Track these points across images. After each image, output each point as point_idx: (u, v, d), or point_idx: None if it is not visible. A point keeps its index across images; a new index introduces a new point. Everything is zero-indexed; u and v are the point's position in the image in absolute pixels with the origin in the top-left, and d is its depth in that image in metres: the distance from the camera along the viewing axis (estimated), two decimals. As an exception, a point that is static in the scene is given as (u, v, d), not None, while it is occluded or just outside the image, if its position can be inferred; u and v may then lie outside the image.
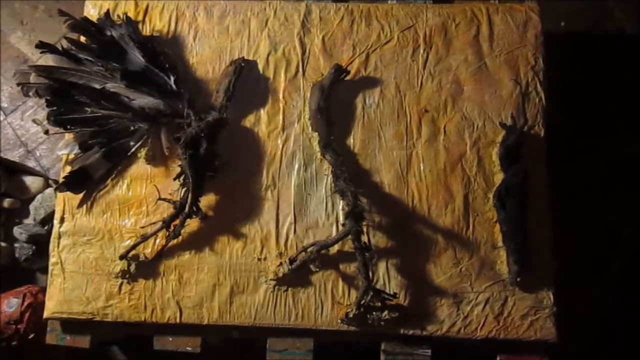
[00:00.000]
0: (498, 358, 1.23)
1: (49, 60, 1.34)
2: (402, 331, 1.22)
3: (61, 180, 1.32)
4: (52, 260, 1.31)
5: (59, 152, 1.37)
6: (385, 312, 1.19)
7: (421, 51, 1.35)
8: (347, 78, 1.34)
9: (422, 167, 1.29)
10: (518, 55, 1.34)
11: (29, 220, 1.78)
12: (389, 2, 1.42)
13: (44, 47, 1.32)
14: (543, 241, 1.24)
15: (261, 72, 1.37)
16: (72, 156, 1.35)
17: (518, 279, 1.21)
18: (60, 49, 1.33)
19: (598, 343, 1.65)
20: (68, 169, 1.33)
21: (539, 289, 1.22)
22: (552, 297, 1.22)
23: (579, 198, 1.74)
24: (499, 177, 1.27)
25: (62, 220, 1.33)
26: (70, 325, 1.30)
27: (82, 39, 1.37)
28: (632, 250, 1.73)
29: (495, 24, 1.36)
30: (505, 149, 1.26)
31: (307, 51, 1.37)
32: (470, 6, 1.38)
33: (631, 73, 1.84)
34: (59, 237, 1.32)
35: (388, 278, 1.24)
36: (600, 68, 1.83)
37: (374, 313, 1.19)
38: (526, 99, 1.31)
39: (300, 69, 1.36)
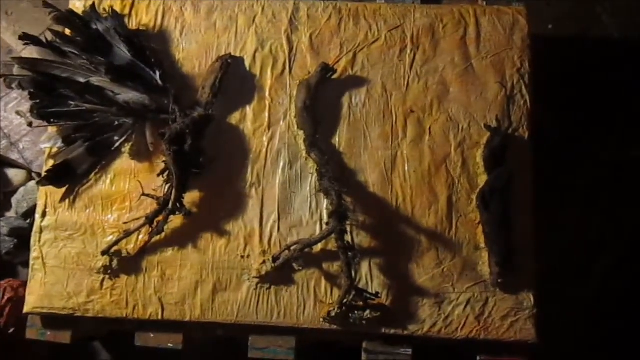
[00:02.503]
0: (478, 359, 1.23)
1: (33, 52, 1.33)
2: (383, 330, 1.22)
3: (44, 174, 1.31)
4: (33, 254, 1.30)
5: (42, 145, 1.36)
6: (368, 312, 1.20)
7: (408, 51, 1.35)
8: (334, 77, 1.34)
9: (406, 168, 1.29)
10: (504, 57, 1.34)
11: (11, 213, 1.76)
12: (378, 1, 1.42)
13: (28, 39, 1.30)
14: (525, 243, 1.25)
15: (248, 69, 1.36)
16: (55, 150, 1.34)
17: (499, 280, 1.22)
18: (45, 41, 1.32)
19: (581, 347, 1.66)
20: (51, 162, 1.32)
21: (520, 290, 1.23)
22: (532, 298, 1.23)
23: (563, 201, 1.74)
24: (482, 179, 1.27)
25: (44, 214, 1.31)
26: (51, 320, 1.29)
27: (67, 31, 1.36)
28: (615, 255, 1.74)
29: (482, 26, 1.36)
30: (490, 151, 1.27)
31: (295, 49, 1.37)
32: (458, 8, 1.38)
33: (617, 78, 1.84)
34: (41, 231, 1.31)
35: (371, 277, 1.24)
36: (586, 72, 1.84)
37: (356, 312, 1.20)
38: (511, 102, 1.32)
39: (287, 67, 1.36)
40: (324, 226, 1.24)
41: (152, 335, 1.28)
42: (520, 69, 1.33)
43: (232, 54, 1.36)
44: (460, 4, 1.40)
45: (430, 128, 1.31)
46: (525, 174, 1.29)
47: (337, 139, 1.32)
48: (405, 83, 1.34)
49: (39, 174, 1.78)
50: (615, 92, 1.83)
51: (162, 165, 1.27)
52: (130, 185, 1.31)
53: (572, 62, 1.84)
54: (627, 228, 1.75)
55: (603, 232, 1.75)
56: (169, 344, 1.27)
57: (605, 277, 1.72)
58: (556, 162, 1.74)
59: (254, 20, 1.39)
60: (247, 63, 1.37)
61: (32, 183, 1.77)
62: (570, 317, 1.66)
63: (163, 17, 1.40)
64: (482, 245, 1.25)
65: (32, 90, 1.30)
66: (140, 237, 1.27)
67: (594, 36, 1.89)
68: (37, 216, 1.32)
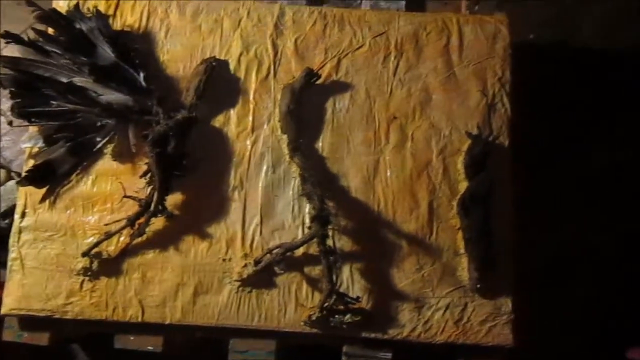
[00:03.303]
0: (456, 363, 1.25)
1: (15, 50, 1.31)
2: (364, 334, 1.23)
3: (24, 174, 1.29)
4: (12, 255, 1.28)
5: (22, 144, 1.34)
6: (348, 316, 1.21)
7: (392, 58, 1.37)
8: (318, 82, 1.34)
9: (388, 173, 1.30)
10: (486, 66, 1.36)
11: (-11, 213, 1.74)
12: (363, 7, 1.43)
13: (10, 37, 1.29)
14: (505, 249, 1.27)
15: (232, 72, 1.37)
16: (36, 149, 1.32)
17: (478, 286, 1.23)
18: (27, 39, 1.30)
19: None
20: (31, 162, 1.30)
21: (499, 295, 1.25)
22: (510, 303, 1.24)
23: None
24: (463, 186, 1.29)
25: (23, 214, 1.30)
26: (28, 322, 1.28)
27: (51, 30, 1.35)
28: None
29: (465, 34, 1.38)
30: (471, 158, 1.29)
31: (279, 53, 1.37)
32: (442, 16, 1.40)
33: (598, 88, 1.85)
34: (20, 232, 1.29)
35: (352, 282, 1.25)
36: (567, 82, 1.86)
37: (336, 316, 1.20)
38: (492, 110, 1.34)
39: (272, 71, 1.36)
40: (306, 230, 1.25)
41: (131, 338, 1.27)
42: (502, 77, 1.35)
43: (217, 56, 1.36)
44: (443, 12, 1.42)
45: (412, 134, 1.33)
46: (506, 181, 1.30)
47: (320, 144, 1.33)
48: (389, 89, 1.35)
49: (18, 174, 1.76)
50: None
51: (145, 167, 1.26)
52: (111, 186, 1.31)
53: (553, 72, 1.86)
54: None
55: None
56: (149, 347, 1.26)
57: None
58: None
59: (239, 24, 1.39)
60: (231, 66, 1.37)
61: (11, 183, 1.75)
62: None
63: (148, 18, 1.39)
64: (462, 251, 1.27)
65: (13, 89, 1.29)
66: (121, 239, 1.27)
67: (575, 46, 1.91)
68: (17, 216, 1.30)
